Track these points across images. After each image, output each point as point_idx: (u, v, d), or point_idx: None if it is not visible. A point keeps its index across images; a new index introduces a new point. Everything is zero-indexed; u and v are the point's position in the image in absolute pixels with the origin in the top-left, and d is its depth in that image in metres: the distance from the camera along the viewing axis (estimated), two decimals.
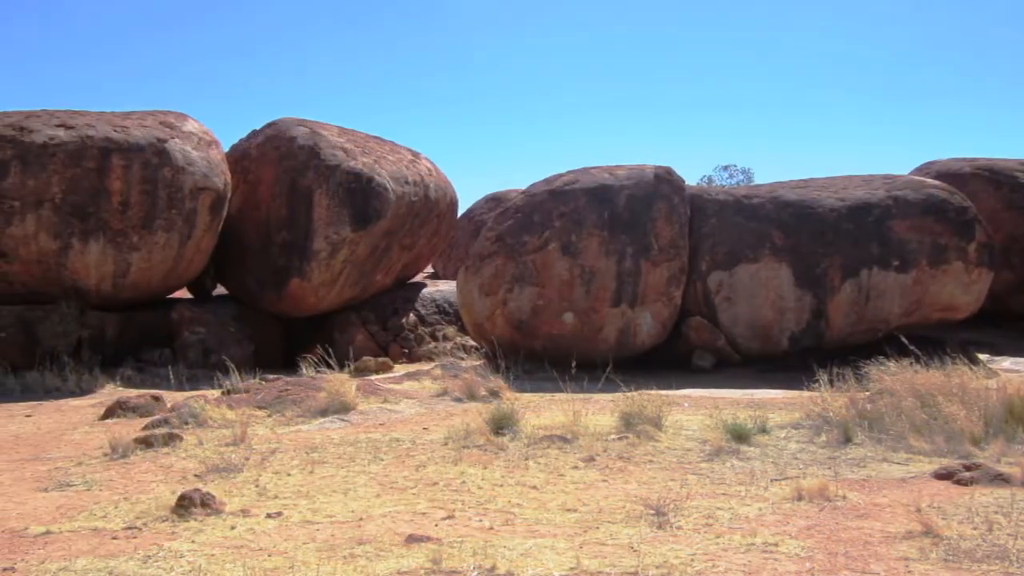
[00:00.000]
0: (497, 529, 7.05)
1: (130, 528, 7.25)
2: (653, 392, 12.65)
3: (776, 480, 8.65)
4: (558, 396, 13.87)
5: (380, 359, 19.10)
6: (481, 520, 7.32)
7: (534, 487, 8.54)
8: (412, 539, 6.67)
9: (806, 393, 12.62)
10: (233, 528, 7.15)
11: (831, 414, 11.03)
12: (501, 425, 11.13)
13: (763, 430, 10.84)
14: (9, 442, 11.88)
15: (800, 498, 7.85)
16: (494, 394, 14.24)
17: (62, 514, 7.83)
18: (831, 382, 12.24)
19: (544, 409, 13.07)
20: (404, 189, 21.22)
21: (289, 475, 9.18)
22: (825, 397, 11.69)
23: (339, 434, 11.60)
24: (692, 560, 6.12)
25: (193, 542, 6.76)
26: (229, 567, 6.13)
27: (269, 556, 6.36)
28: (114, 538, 6.96)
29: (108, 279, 18.34)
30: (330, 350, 16.76)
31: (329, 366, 15.70)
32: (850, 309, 17.79)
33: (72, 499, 8.43)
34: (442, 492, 8.38)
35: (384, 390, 14.79)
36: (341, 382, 14.08)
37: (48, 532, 7.23)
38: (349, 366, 17.43)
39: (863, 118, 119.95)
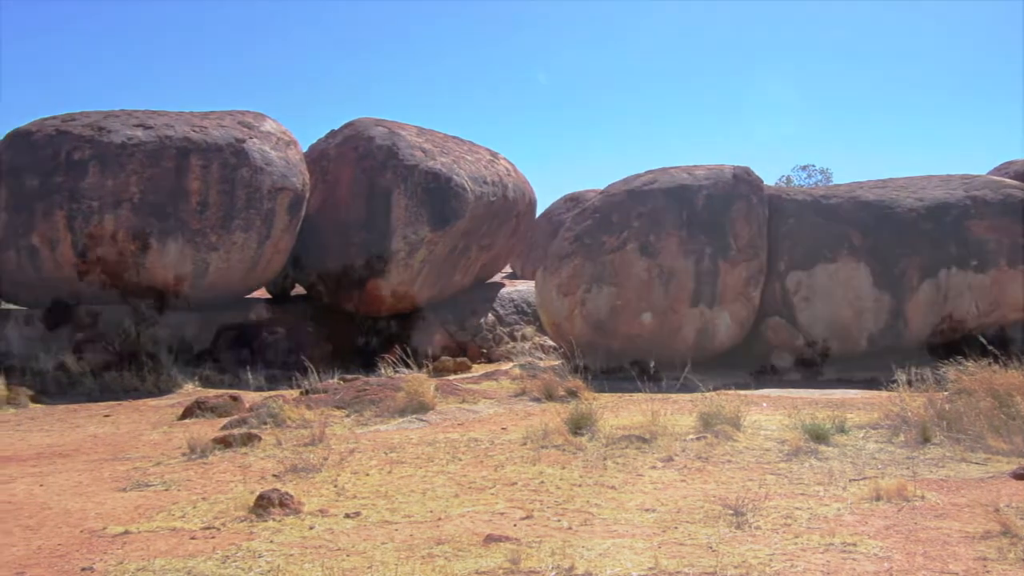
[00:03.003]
0: (575, 529, 7.05)
1: (208, 528, 7.33)
2: (731, 392, 12.61)
3: (854, 480, 8.57)
4: (636, 396, 13.86)
5: (458, 359, 19.19)
6: (559, 520, 7.32)
7: (612, 487, 8.53)
8: (490, 539, 6.68)
9: (884, 393, 12.51)
10: (311, 528, 7.21)
11: (909, 414, 10.89)
12: (579, 425, 11.11)
13: (841, 430, 10.73)
14: (88, 442, 12.07)
15: (878, 498, 7.76)
16: (572, 394, 14.21)
17: (140, 514, 7.93)
18: (909, 382, 12.11)
19: (622, 409, 13.04)
20: (482, 189, 21.26)
21: (367, 475, 9.24)
22: (903, 397, 11.54)
23: (417, 434, 11.66)
24: (770, 560, 6.08)
25: (271, 542, 6.82)
26: (307, 567, 6.17)
27: (347, 556, 6.40)
28: (192, 538, 7.03)
29: (186, 279, 18.57)
30: (408, 350, 16.85)
31: (407, 366, 15.80)
32: (928, 309, 17.56)
33: (150, 499, 8.53)
34: (520, 492, 8.39)
35: (462, 390, 14.84)
36: (419, 382, 14.12)
37: (126, 532, 7.31)
38: (427, 366, 17.50)
39: (941, 118, 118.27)
